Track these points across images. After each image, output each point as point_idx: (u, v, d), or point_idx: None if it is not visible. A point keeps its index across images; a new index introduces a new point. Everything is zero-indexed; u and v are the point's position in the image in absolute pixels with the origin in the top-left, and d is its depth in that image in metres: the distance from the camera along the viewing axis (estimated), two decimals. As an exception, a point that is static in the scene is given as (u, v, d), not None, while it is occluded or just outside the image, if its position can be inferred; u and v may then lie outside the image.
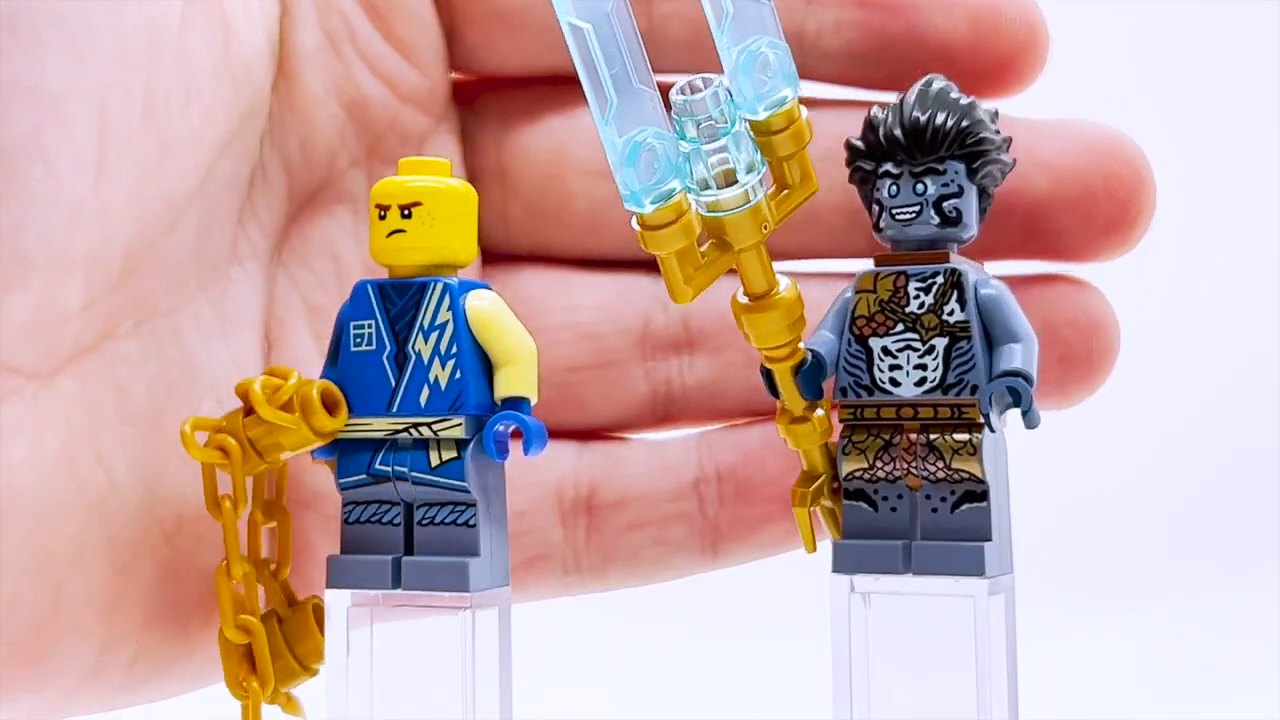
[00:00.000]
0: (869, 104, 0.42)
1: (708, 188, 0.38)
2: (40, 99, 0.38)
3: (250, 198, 0.44)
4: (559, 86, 0.48)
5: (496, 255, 0.48)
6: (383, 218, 0.39)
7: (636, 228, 0.38)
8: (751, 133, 0.38)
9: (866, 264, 0.42)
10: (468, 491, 0.39)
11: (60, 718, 0.41)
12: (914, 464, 0.40)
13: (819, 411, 0.41)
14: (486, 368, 0.39)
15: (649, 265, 0.47)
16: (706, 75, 0.37)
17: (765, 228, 0.38)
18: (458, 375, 0.39)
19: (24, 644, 0.39)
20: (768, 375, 0.41)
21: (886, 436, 0.40)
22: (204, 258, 0.43)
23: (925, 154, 0.40)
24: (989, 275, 0.41)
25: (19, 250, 0.38)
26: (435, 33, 0.47)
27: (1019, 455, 0.41)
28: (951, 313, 0.40)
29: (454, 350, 0.39)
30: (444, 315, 0.39)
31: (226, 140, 0.43)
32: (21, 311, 0.39)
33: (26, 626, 0.39)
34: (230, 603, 0.40)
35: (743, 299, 0.40)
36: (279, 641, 0.41)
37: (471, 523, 0.39)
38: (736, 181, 0.38)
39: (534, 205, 0.48)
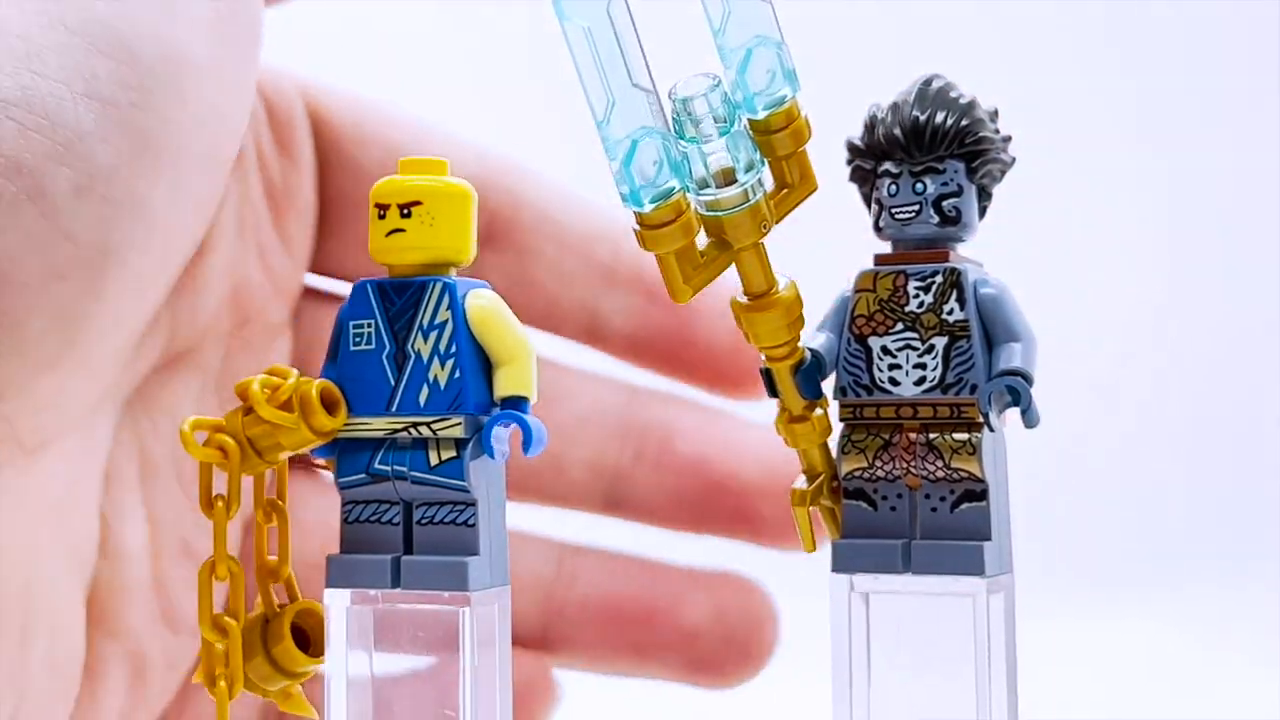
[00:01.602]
0: None
1: (706, 187, 0.38)
2: (145, 216, 0.40)
3: (140, 346, 0.46)
4: None
5: None
6: (382, 217, 0.39)
7: (636, 227, 0.38)
8: (750, 132, 0.38)
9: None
10: (467, 491, 0.39)
11: None
12: (913, 463, 0.40)
13: (818, 411, 0.41)
14: (486, 367, 0.39)
15: None
16: (706, 74, 0.37)
17: (765, 227, 0.38)
18: (457, 374, 0.39)
19: None
20: (767, 375, 0.41)
21: (886, 436, 0.40)
22: (108, 388, 0.45)
23: (924, 153, 0.40)
24: (989, 274, 0.41)
25: (73, 338, 0.40)
26: (312, 234, 0.50)
27: (1019, 455, 0.41)
28: (951, 312, 0.40)
29: (453, 349, 0.39)
30: (443, 314, 0.39)
31: (166, 292, 0.45)
32: (45, 392, 0.41)
33: None
34: (209, 601, 0.40)
35: (742, 298, 0.40)
36: (257, 643, 0.41)
37: (471, 522, 0.39)
38: (735, 180, 0.38)
39: None
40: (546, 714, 0.52)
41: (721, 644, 0.51)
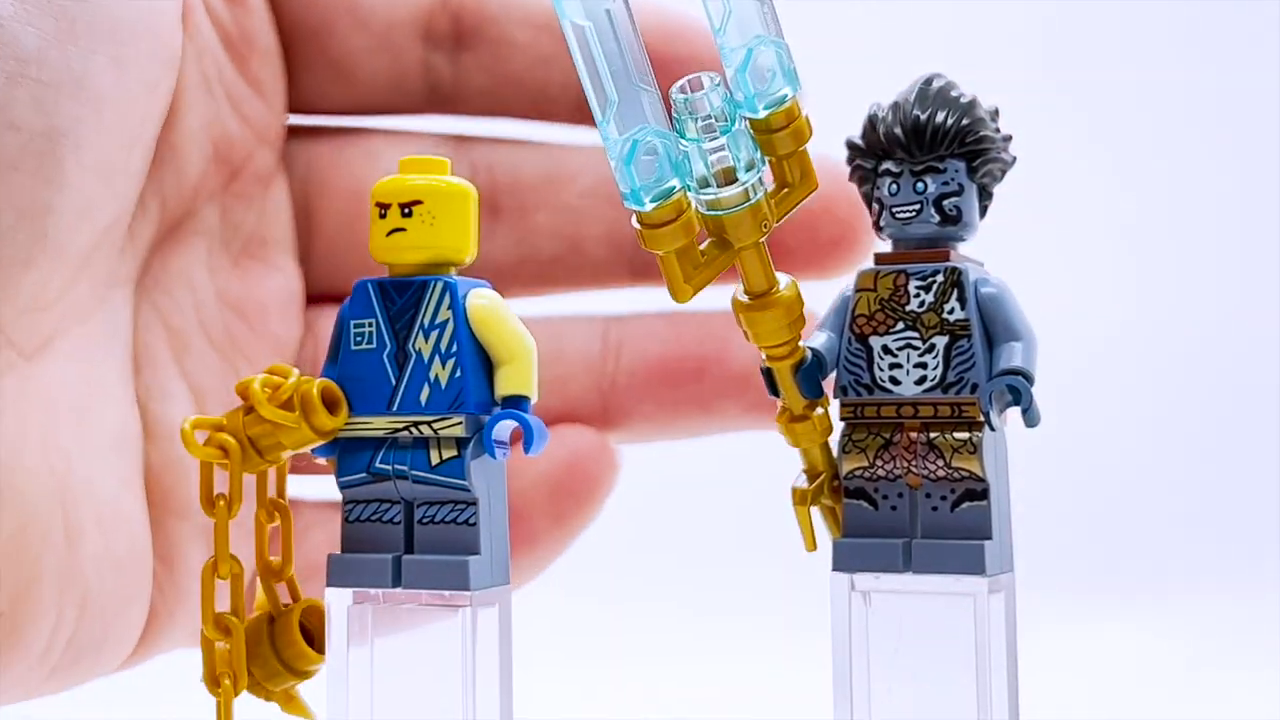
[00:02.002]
0: None
1: (707, 186, 0.38)
2: (88, 94, 0.40)
3: (132, 225, 0.45)
4: (365, 137, 0.51)
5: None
6: (383, 216, 0.39)
7: (636, 226, 0.38)
8: (751, 131, 0.38)
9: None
10: (468, 490, 0.39)
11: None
12: (914, 462, 0.40)
13: (819, 410, 0.41)
14: (487, 366, 0.39)
15: None
16: (707, 73, 0.37)
17: (765, 226, 0.38)
18: (458, 374, 0.39)
19: (5, 619, 0.40)
20: (768, 374, 0.41)
21: (887, 435, 0.40)
22: (105, 276, 0.44)
23: (925, 152, 0.40)
24: (989, 274, 0.41)
25: (42, 230, 0.40)
26: (283, 74, 0.49)
27: (1020, 454, 0.41)
28: (951, 311, 0.40)
29: (454, 349, 0.39)
30: (444, 314, 0.39)
31: (142, 172, 0.45)
32: (29, 290, 0.40)
33: (9, 599, 0.40)
34: (212, 599, 0.40)
35: (743, 297, 0.40)
36: (265, 642, 0.41)
37: (472, 521, 0.39)
38: (736, 180, 0.38)
39: (336, 242, 0.50)
40: (606, 485, 0.50)
41: None
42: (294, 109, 0.50)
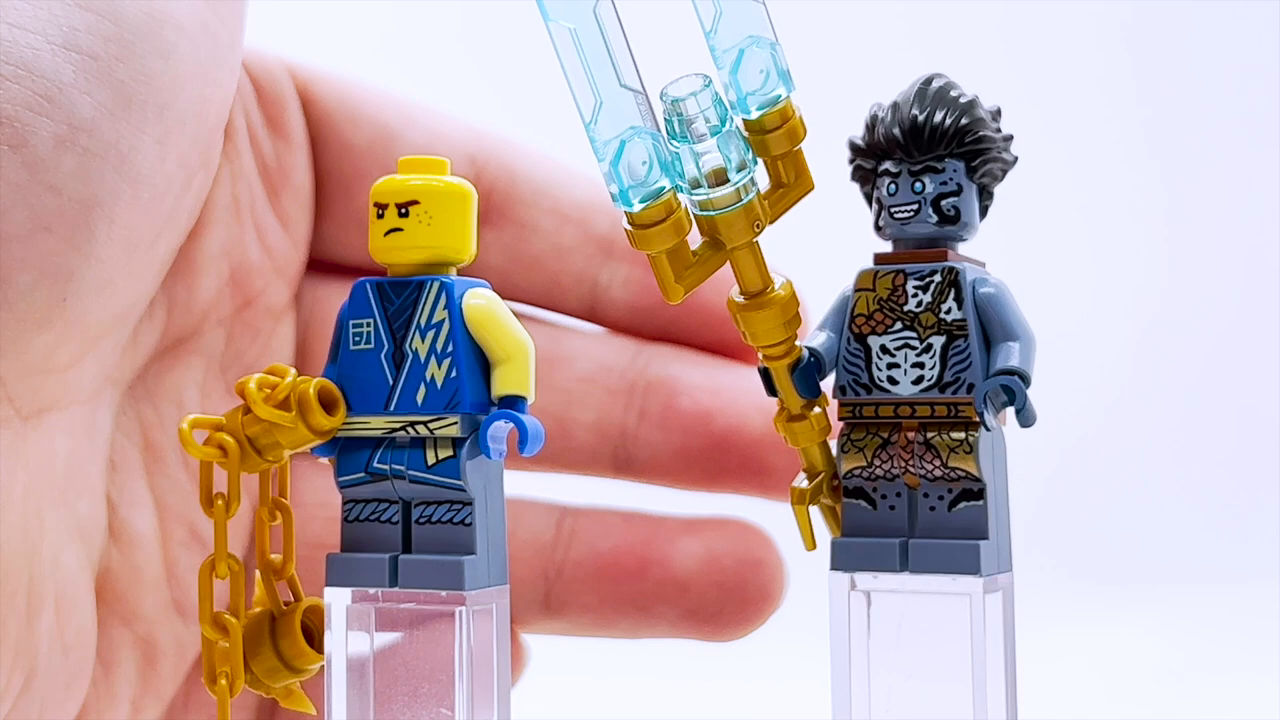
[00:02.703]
0: None
1: (699, 186, 0.38)
2: (130, 170, 0.40)
3: (136, 331, 0.46)
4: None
5: None
6: (380, 216, 0.39)
7: (626, 226, 0.38)
8: (744, 131, 0.38)
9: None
10: (463, 490, 0.39)
11: None
12: (912, 462, 0.40)
13: (817, 409, 0.41)
14: (483, 366, 0.39)
15: None
16: (697, 74, 0.37)
17: (758, 226, 0.38)
18: (454, 374, 0.39)
19: None
20: (765, 373, 0.41)
21: (885, 435, 0.40)
22: (104, 370, 0.45)
23: (924, 152, 0.40)
24: (988, 274, 0.41)
25: (61, 295, 0.40)
26: (310, 214, 0.49)
27: (1018, 454, 0.41)
28: (949, 311, 0.40)
29: (450, 349, 0.39)
30: (440, 314, 0.39)
31: (162, 271, 0.45)
32: (39, 352, 0.40)
33: None
34: (210, 599, 0.40)
35: (738, 297, 0.40)
36: (265, 640, 0.41)
37: (468, 521, 0.39)
38: (727, 180, 0.38)
39: None
40: (515, 675, 0.50)
41: (715, 590, 0.50)
42: (318, 254, 0.50)
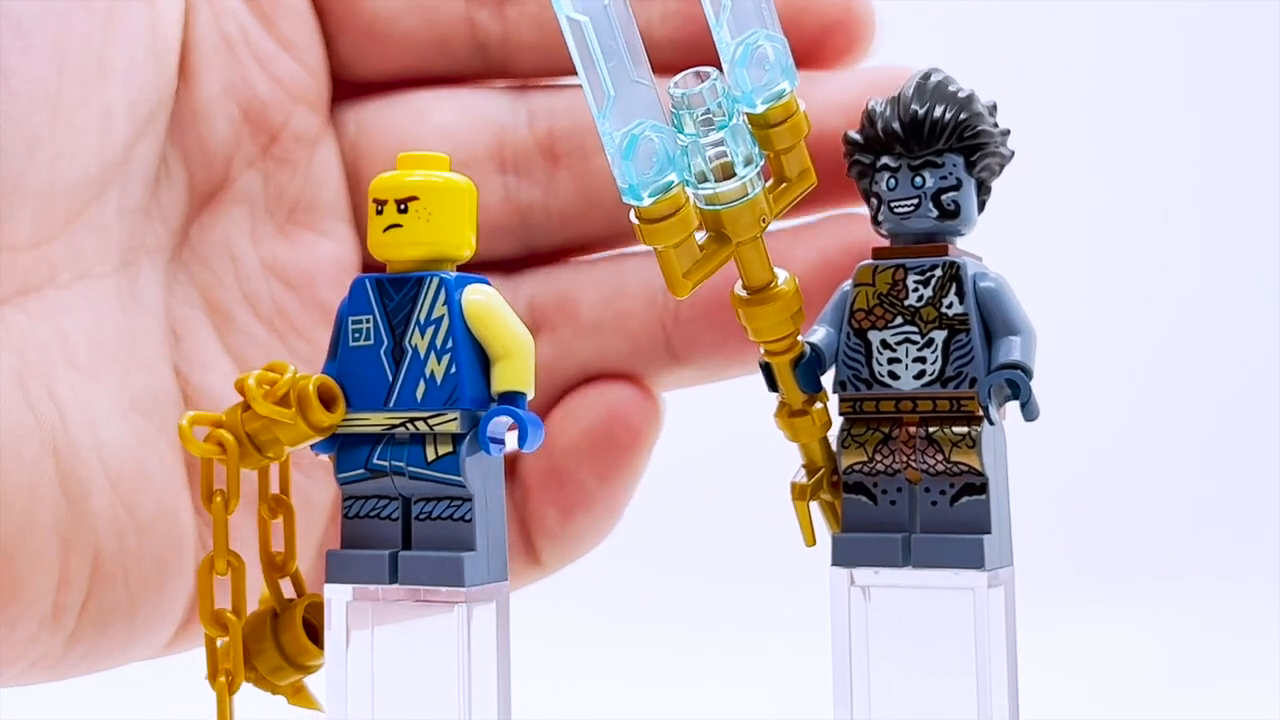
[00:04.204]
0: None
1: (705, 181, 0.38)
2: (6, 22, 0.39)
3: (155, 192, 0.45)
4: (413, 90, 0.49)
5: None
6: (379, 212, 0.39)
7: (635, 221, 0.38)
8: (749, 126, 0.38)
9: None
10: (463, 486, 0.39)
11: (19, 675, 0.42)
12: (913, 457, 0.40)
13: (818, 405, 0.41)
14: (483, 362, 0.39)
15: None
16: (704, 68, 0.37)
17: (763, 221, 0.38)
18: (453, 370, 0.39)
19: None
20: (766, 369, 0.41)
21: (886, 430, 0.40)
22: (121, 239, 0.44)
23: (923, 147, 0.40)
24: (988, 268, 0.41)
25: None
26: (317, 34, 0.48)
27: (1019, 448, 0.41)
28: (950, 305, 0.40)
29: (449, 345, 0.39)
30: (440, 310, 0.39)
31: (146, 122, 0.44)
32: None
33: None
34: (210, 596, 0.40)
35: (741, 292, 0.40)
36: (268, 637, 0.41)
37: (468, 517, 0.39)
38: (734, 174, 0.38)
39: None
40: (650, 435, 0.49)
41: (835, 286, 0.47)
42: (336, 74, 0.49)
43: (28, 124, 0.40)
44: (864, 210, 0.43)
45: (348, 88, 0.49)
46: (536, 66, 0.49)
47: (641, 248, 0.49)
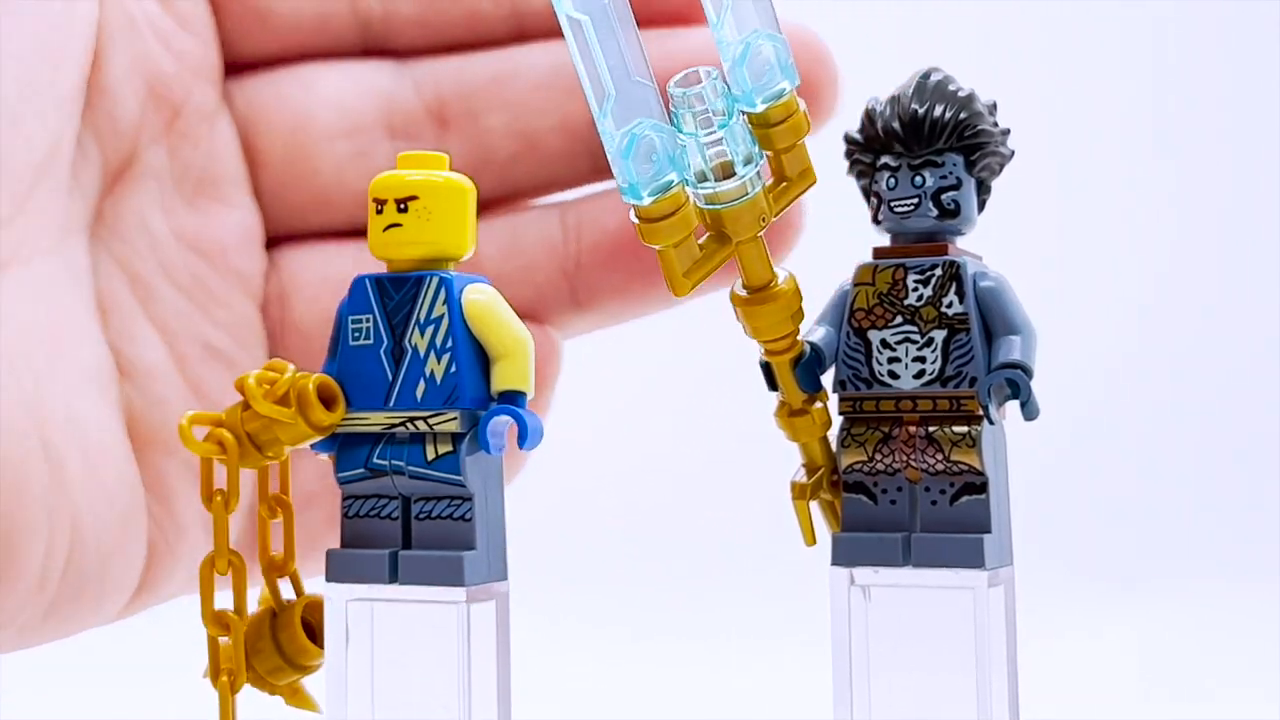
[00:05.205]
0: None
1: (705, 180, 0.38)
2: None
3: (75, 172, 0.46)
4: (299, 64, 0.50)
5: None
6: (379, 211, 0.39)
7: (635, 220, 0.38)
8: (749, 125, 0.38)
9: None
10: (463, 485, 0.39)
11: (3, 642, 0.43)
12: (913, 456, 0.40)
13: (817, 404, 0.41)
14: (483, 362, 0.39)
15: None
16: (704, 67, 0.37)
17: (763, 220, 0.38)
18: (453, 369, 0.39)
19: None
20: (766, 368, 0.41)
21: (886, 429, 0.40)
22: (56, 218, 0.45)
23: (923, 146, 0.40)
24: (988, 268, 0.41)
25: None
26: (209, 11, 0.49)
27: (1019, 448, 0.41)
28: (950, 305, 0.40)
29: (449, 344, 0.39)
30: (439, 309, 0.39)
31: (70, 107, 0.45)
32: None
33: None
34: (211, 596, 0.40)
35: (741, 291, 0.40)
36: (267, 637, 0.41)
37: (468, 517, 0.39)
38: (734, 174, 0.38)
39: (283, 178, 0.50)
40: (549, 373, 0.50)
41: None
42: (226, 53, 0.50)
43: (10, 110, 0.41)
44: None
45: (235, 65, 0.50)
46: (417, 41, 0.50)
47: (536, 202, 0.50)
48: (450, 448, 0.39)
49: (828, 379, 0.41)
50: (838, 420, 0.41)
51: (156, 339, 0.47)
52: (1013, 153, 0.42)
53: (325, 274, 0.49)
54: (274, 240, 0.50)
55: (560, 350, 0.50)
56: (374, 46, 0.50)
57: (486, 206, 0.50)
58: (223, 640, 0.40)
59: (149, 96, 0.47)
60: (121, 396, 0.46)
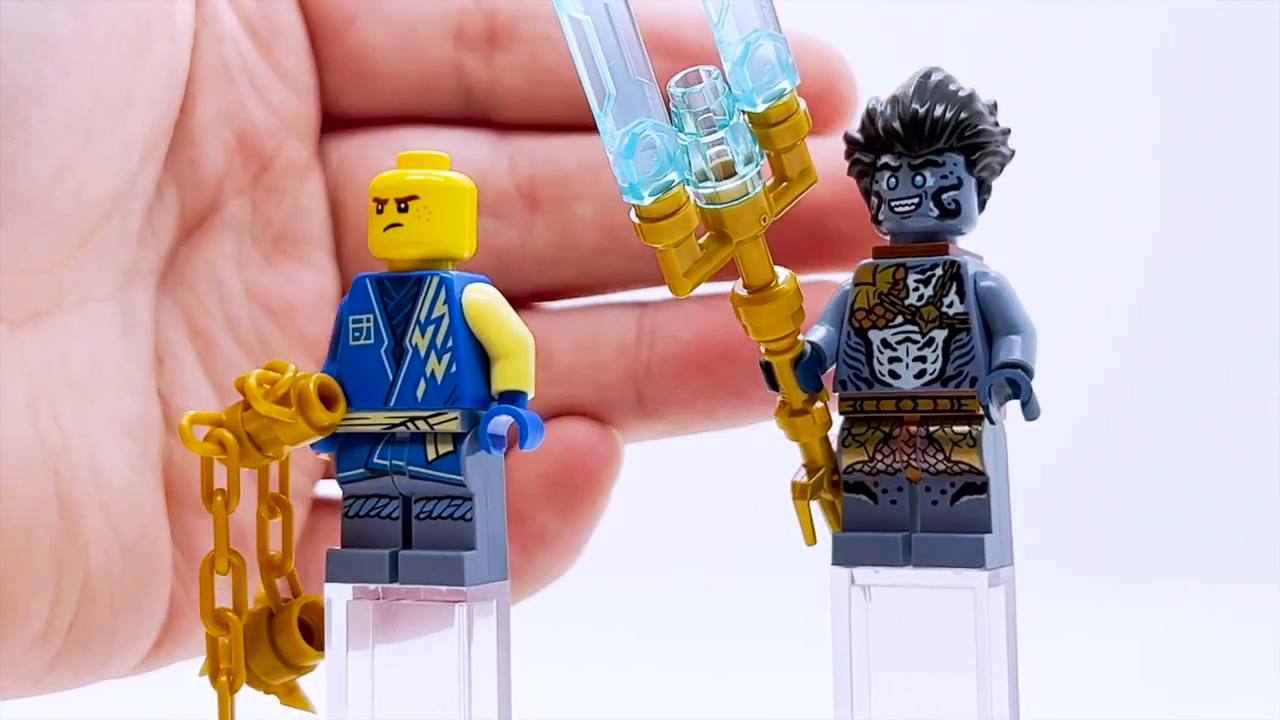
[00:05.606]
0: None
1: (706, 180, 0.38)
2: (48, 49, 0.40)
3: (150, 217, 0.45)
4: (395, 128, 0.49)
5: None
6: (380, 211, 0.39)
7: (635, 220, 0.38)
8: (750, 125, 0.38)
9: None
10: (463, 485, 0.39)
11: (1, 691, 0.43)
12: (914, 456, 0.40)
13: (818, 404, 0.41)
14: (483, 361, 0.39)
15: None
16: (705, 67, 0.37)
17: (764, 220, 0.38)
18: (453, 369, 0.39)
19: None
20: (767, 368, 0.41)
21: (886, 429, 0.40)
22: (120, 263, 0.44)
23: (924, 146, 0.40)
24: (988, 267, 0.41)
25: (10, 188, 0.40)
26: (311, 65, 0.48)
27: (1020, 447, 0.41)
28: (950, 305, 0.40)
29: (450, 344, 0.39)
30: (440, 309, 0.39)
31: (153, 149, 0.44)
32: (5, 251, 0.40)
33: None
34: (211, 596, 0.40)
35: (742, 291, 0.40)
36: (263, 637, 0.41)
37: (468, 516, 0.39)
38: (735, 174, 0.38)
39: (362, 241, 0.49)
40: (608, 475, 0.49)
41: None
42: (326, 108, 0.49)
43: (57, 151, 0.41)
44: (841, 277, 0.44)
45: (334, 121, 0.49)
46: (520, 114, 0.49)
47: (616, 299, 0.50)
48: (451, 448, 0.39)
49: (828, 379, 0.41)
50: (838, 420, 0.41)
51: (209, 393, 0.46)
52: (1013, 152, 0.41)
53: None
54: None
55: (621, 454, 0.49)
56: (475, 115, 0.49)
57: (561, 295, 0.50)
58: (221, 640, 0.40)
59: (238, 147, 0.47)
60: (163, 449, 0.45)
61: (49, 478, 0.41)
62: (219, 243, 0.47)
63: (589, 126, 0.49)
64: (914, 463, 0.40)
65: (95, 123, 0.42)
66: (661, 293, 0.50)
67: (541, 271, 0.48)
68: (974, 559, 0.39)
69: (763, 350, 0.41)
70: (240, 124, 0.46)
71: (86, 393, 0.43)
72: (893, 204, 0.40)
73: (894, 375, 0.40)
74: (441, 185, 0.39)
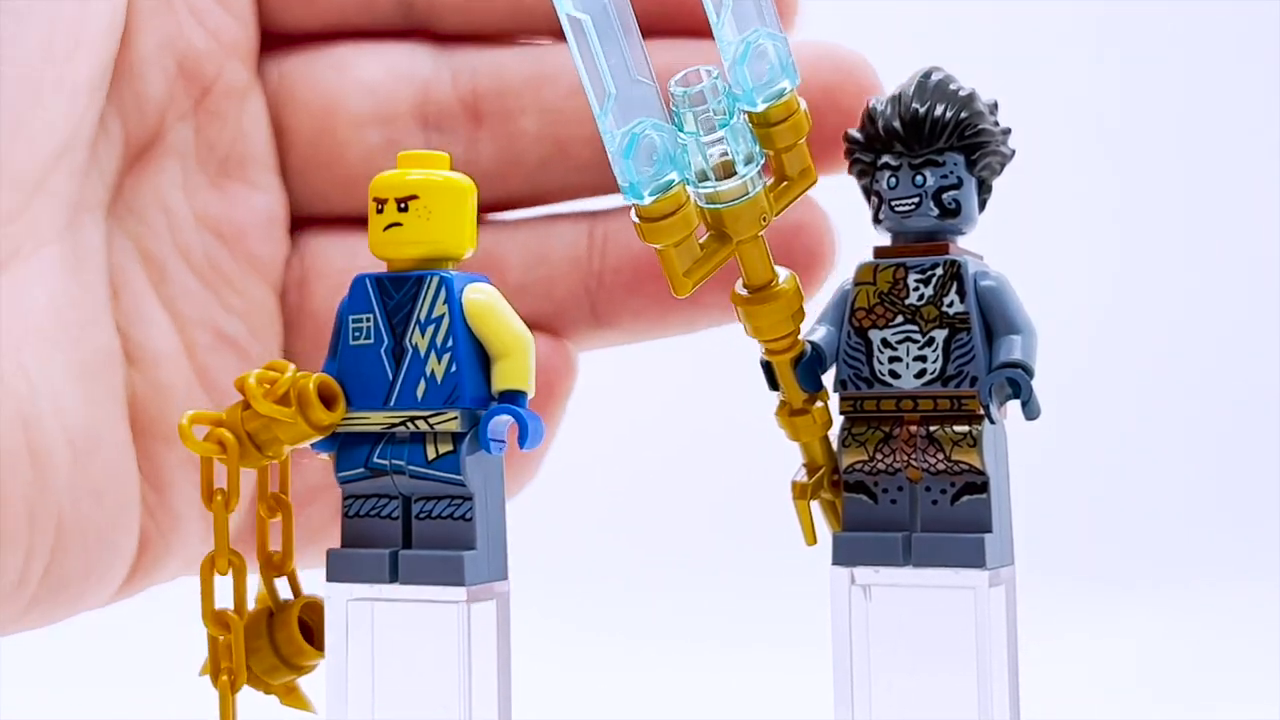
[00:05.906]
0: None
1: (706, 179, 0.38)
2: (4, 7, 0.40)
3: (95, 150, 0.45)
4: (335, 44, 0.49)
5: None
6: (380, 211, 0.39)
7: (635, 220, 0.38)
8: (750, 124, 0.38)
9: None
10: (463, 485, 0.39)
11: None
12: (914, 456, 0.40)
13: (818, 404, 0.41)
14: (483, 361, 0.39)
15: None
16: (705, 67, 0.37)
17: (764, 219, 0.38)
18: (453, 369, 0.39)
19: None
20: (767, 368, 0.41)
21: (886, 429, 0.40)
22: (68, 201, 0.44)
23: (924, 146, 0.40)
24: (989, 267, 0.41)
25: None
26: None
27: (1020, 447, 0.41)
28: (951, 304, 0.40)
29: (450, 344, 0.39)
30: (440, 309, 0.39)
31: (94, 92, 0.44)
32: None
33: None
34: (211, 596, 0.40)
35: (742, 291, 0.40)
36: (263, 637, 0.41)
37: (468, 516, 0.39)
38: (735, 173, 0.38)
39: (309, 160, 0.49)
40: (563, 388, 0.49)
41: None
42: (265, 27, 0.49)
43: (14, 109, 0.41)
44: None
45: (272, 39, 0.49)
46: (460, 26, 0.49)
47: (566, 209, 0.49)
48: (451, 447, 0.39)
49: (828, 378, 0.41)
50: (838, 420, 0.41)
51: (166, 323, 0.46)
52: (1013, 152, 0.42)
53: (348, 263, 0.48)
54: (298, 225, 0.49)
55: (575, 364, 0.50)
56: (416, 27, 0.49)
57: (511, 206, 0.50)
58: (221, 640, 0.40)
59: (179, 74, 0.46)
60: (125, 382, 0.45)
61: (19, 430, 0.41)
62: (165, 170, 0.47)
63: (532, 34, 0.49)
64: (914, 462, 0.40)
65: (47, 74, 0.42)
66: (611, 201, 0.50)
67: (488, 185, 0.47)
68: (974, 559, 0.39)
69: (763, 350, 0.41)
70: (180, 51, 0.46)
71: (48, 336, 0.43)
72: (893, 203, 0.41)
73: (894, 375, 0.40)
74: (441, 185, 0.39)
